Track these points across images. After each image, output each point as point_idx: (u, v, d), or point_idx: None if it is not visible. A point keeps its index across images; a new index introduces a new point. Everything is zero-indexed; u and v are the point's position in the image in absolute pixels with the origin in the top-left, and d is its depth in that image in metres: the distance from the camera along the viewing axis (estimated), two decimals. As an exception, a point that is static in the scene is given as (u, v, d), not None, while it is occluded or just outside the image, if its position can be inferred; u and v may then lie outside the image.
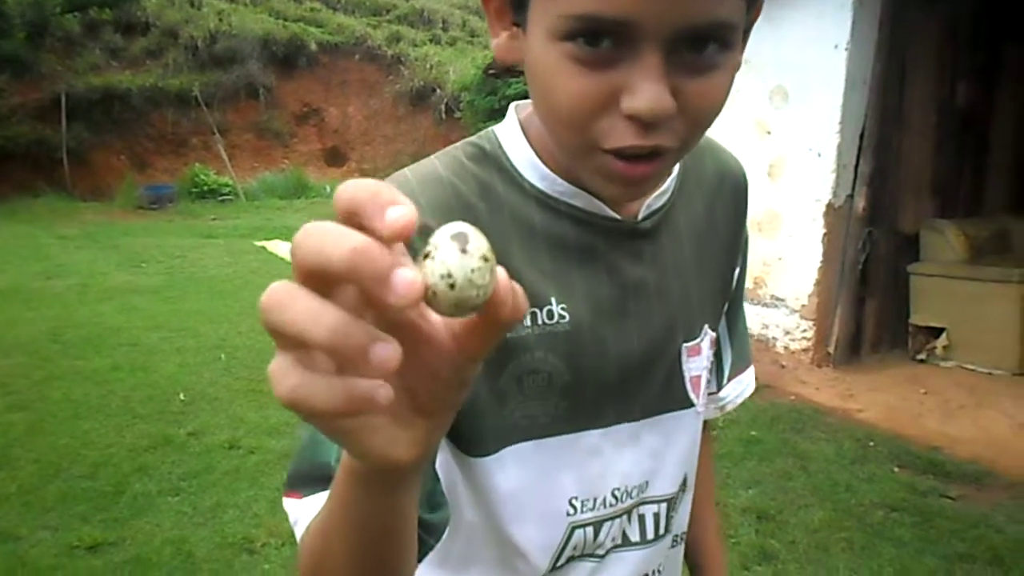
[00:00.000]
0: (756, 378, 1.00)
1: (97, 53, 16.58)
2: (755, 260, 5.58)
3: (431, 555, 0.64)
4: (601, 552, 0.75)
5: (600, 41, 0.54)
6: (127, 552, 2.79)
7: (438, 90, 18.07)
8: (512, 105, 0.73)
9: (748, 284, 5.63)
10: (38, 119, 14.94)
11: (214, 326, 5.99)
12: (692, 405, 0.78)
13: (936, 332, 5.36)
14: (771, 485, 3.45)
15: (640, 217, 0.71)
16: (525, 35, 0.60)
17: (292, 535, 2.69)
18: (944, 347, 5.29)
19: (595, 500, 0.72)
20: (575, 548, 0.73)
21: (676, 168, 0.74)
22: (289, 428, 3.95)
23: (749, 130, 5.53)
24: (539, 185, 0.69)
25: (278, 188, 16.03)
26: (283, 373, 0.32)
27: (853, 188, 5.15)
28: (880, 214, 5.34)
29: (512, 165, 0.69)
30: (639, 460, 0.74)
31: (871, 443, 3.97)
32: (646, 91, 0.54)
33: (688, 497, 0.83)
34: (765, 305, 5.53)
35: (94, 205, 14.07)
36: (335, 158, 18.44)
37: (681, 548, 0.86)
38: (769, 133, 5.43)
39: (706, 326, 0.79)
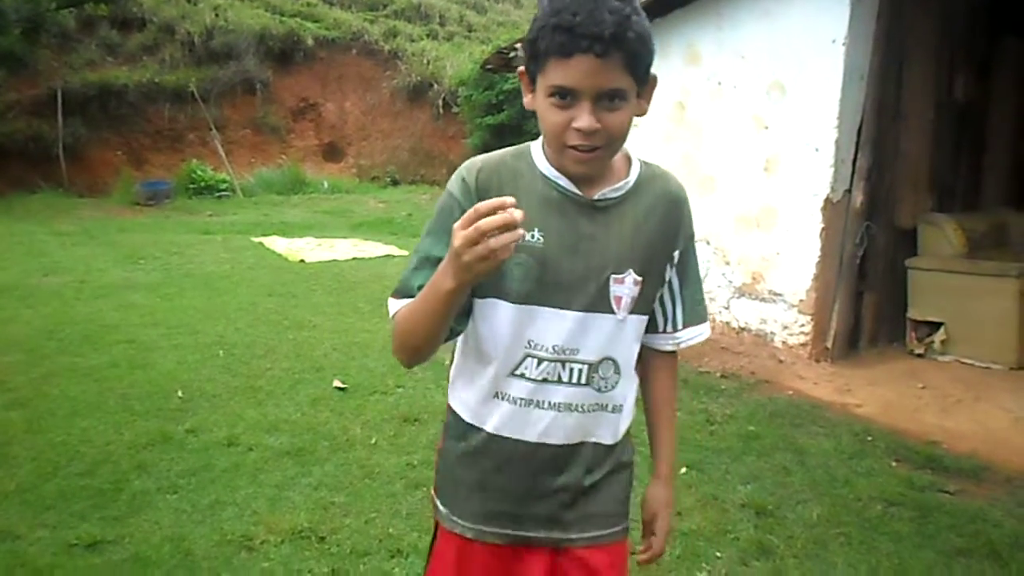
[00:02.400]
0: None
1: (93, 49, 16.52)
2: (753, 255, 5.58)
3: (461, 351, 1.38)
4: (539, 378, 1.28)
5: (564, 96, 1.16)
6: (126, 550, 2.78)
7: (435, 85, 18.03)
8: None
9: (746, 280, 5.65)
10: (34, 115, 14.89)
11: (212, 322, 5.98)
12: (613, 312, 1.29)
13: (934, 326, 5.37)
14: (769, 480, 3.46)
15: (595, 198, 1.27)
16: (535, 95, 1.22)
17: (290, 532, 2.73)
18: (942, 341, 5.30)
19: (541, 346, 1.28)
20: (524, 368, 1.29)
21: (632, 182, 1.30)
22: (286, 426, 3.94)
23: (746, 124, 5.53)
24: (544, 172, 1.28)
25: (275, 184, 15.98)
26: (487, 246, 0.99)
27: (851, 183, 5.15)
28: (878, 209, 5.34)
29: (532, 160, 1.30)
30: (572, 332, 1.27)
31: (869, 438, 3.97)
32: (584, 119, 1.16)
33: (624, 381, 1.34)
34: (763, 300, 5.53)
35: (91, 201, 14.04)
36: (332, 153, 18.40)
37: (619, 416, 1.37)
38: (766, 128, 5.42)
39: (631, 270, 1.29)
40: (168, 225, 11.92)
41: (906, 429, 4.11)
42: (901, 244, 5.57)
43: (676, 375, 1.50)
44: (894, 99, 5.30)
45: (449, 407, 1.41)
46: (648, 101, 1.24)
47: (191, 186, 14.93)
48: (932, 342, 5.35)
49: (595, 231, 1.26)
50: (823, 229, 5.12)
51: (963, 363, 5.20)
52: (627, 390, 1.36)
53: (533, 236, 1.23)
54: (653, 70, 1.21)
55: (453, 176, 1.30)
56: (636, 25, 1.13)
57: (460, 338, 1.36)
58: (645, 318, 1.36)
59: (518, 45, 7.60)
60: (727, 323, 5.82)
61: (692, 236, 1.39)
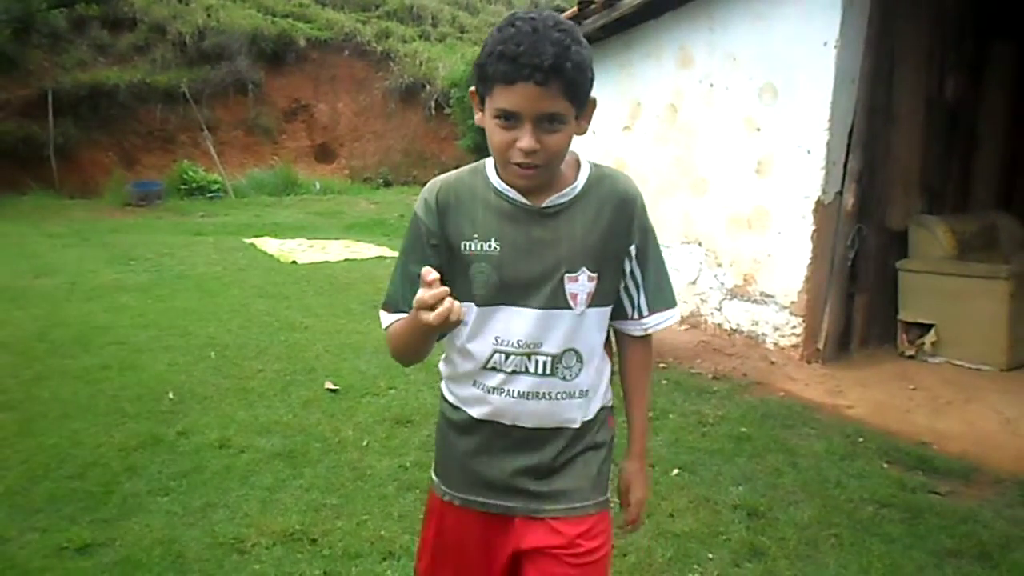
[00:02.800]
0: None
1: (84, 49, 16.45)
2: (744, 257, 5.60)
3: (447, 344, 1.50)
4: (508, 370, 1.41)
5: (508, 118, 1.27)
6: (117, 553, 2.77)
7: (428, 86, 18.02)
8: None
9: (738, 281, 5.65)
10: (25, 116, 14.81)
11: (203, 324, 5.96)
12: (571, 308, 1.40)
13: (925, 328, 5.39)
14: (761, 482, 3.47)
15: (543, 205, 1.39)
16: (484, 114, 1.33)
17: (282, 534, 2.74)
18: (932, 343, 5.32)
19: (507, 341, 1.40)
20: (495, 362, 1.42)
21: (580, 186, 1.40)
22: (278, 427, 3.94)
23: (738, 127, 5.54)
24: (496, 185, 1.40)
25: (267, 185, 15.94)
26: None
27: (842, 185, 5.17)
28: (869, 211, 5.36)
29: (486, 175, 1.42)
30: (533, 329, 1.39)
31: (860, 439, 3.98)
32: (526, 140, 1.27)
33: (588, 368, 1.45)
34: (755, 302, 5.55)
35: (82, 202, 13.97)
36: (325, 154, 18.36)
37: (587, 400, 1.47)
38: (758, 130, 5.44)
39: (584, 268, 1.40)
40: (159, 226, 11.87)
41: (897, 430, 4.13)
42: (892, 246, 5.59)
43: (649, 358, 1.63)
44: (885, 102, 5.32)
45: (441, 389, 1.58)
46: (588, 121, 1.36)
47: (182, 187, 14.87)
48: (923, 344, 5.38)
49: (546, 235, 1.39)
50: (814, 231, 5.13)
51: (954, 365, 5.23)
52: (592, 376, 1.47)
53: (490, 245, 1.38)
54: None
55: (417, 201, 1.46)
56: (575, 55, 1.24)
57: None
58: (607, 309, 1.48)
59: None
60: (719, 325, 5.84)
61: (647, 229, 1.48)
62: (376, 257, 9.41)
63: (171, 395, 4.36)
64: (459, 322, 1.24)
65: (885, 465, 3.70)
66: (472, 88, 1.36)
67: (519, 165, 1.31)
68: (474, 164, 1.46)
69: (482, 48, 1.30)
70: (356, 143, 18.54)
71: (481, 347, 1.42)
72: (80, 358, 5.01)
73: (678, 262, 5.98)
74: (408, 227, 1.46)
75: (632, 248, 1.46)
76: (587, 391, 1.47)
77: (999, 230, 5.85)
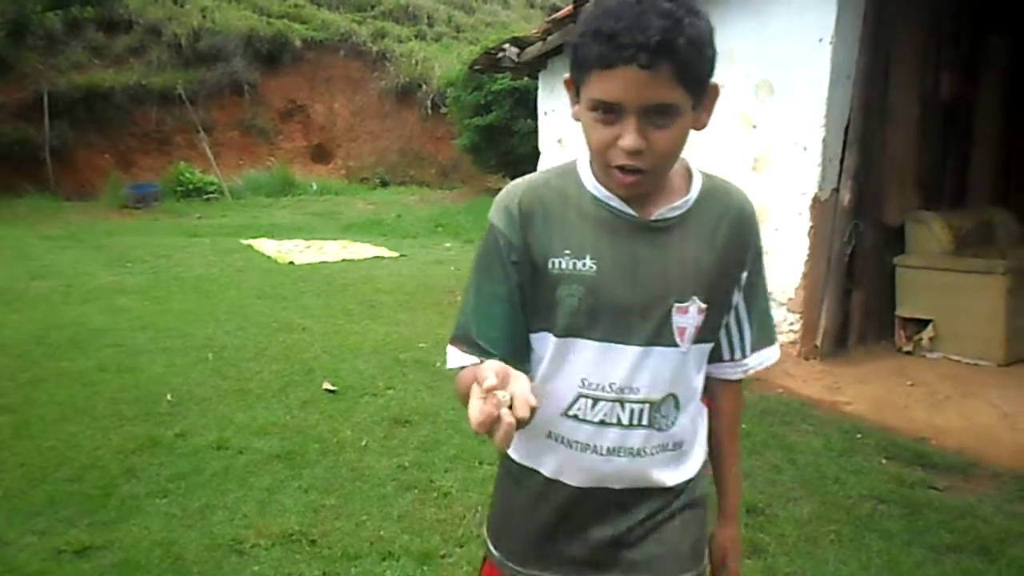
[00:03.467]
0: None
1: (79, 51, 16.42)
2: (742, 254, 5.59)
3: None
4: (596, 420, 1.17)
5: (608, 111, 1.04)
6: (115, 555, 2.76)
7: (424, 86, 18.00)
8: None
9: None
10: (20, 118, 14.79)
11: (201, 326, 5.95)
12: (677, 345, 1.17)
13: (922, 324, 5.39)
14: (760, 478, 3.46)
15: (653, 218, 1.15)
16: (580, 106, 1.10)
17: (280, 535, 2.72)
18: (930, 338, 5.32)
19: (598, 384, 1.16)
20: (578, 409, 1.18)
21: (693, 199, 1.18)
22: (276, 428, 3.93)
23: (734, 124, 5.54)
24: (593, 191, 1.16)
25: (264, 186, 15.94)
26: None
27: (839, 181, 5.17)
28: (865, 207, 5.36)
29: (579, 179, 1.18)
30: (631, 369, 1.15)
31: (858, 435, 3.99)
32: (629, 138, 1.04)
33: (683, 417, 1.22)
34: (752, 299, 5.54)
35: (78, 205, 13.96)
36: (321, 155, 18.35)
37: (683, 454, 1.25)
38: (754, 127, 5.44)
39: (695, 297, 1.16)
40: (156, 228, 11.86)
41: (895, 426, 4.13)
42: (889, 242, 5.59)
43: (741, 405, 1.40)
44: (881, 98, 5.32)
45: None
46: (709, 113, 1.12)
47: (179, 188, 14.86)
48: (920, 339, 5.38)
49: (654, 255, 1.15)
50: (811, 228, 5.13)
51: (951, 360, 5.23)
52: (689, 425, 1.25)
53: (584, 264, 1.14)
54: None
55: (493, 207, 1.20)
56: (689, 29, 0.99)
57: None
58: (709, 346, 1.25)
59: (506, 46, 7.60)
60: (717, 322, 5.83)
61: (760, 253, 1.28)
62: (374, 257, 9.40)
63: (169, 397, 4.35)
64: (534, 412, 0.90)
65: (883, 461, 3.70)
66: (566, 76, 1.13)
67: (621, 168, 1.07)
68: (562, 165, 1.22)
69: (577, 27, 1.08)
70: (352, 143, 18.53)
71: (563, 388, 1.18)
72: (77, 360, 5.00)
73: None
74: (482, 242, 1.20)
75: (743, 276, 1.24)
76: (682, 442, 1.24)
77: (996, 225, 5.86)
